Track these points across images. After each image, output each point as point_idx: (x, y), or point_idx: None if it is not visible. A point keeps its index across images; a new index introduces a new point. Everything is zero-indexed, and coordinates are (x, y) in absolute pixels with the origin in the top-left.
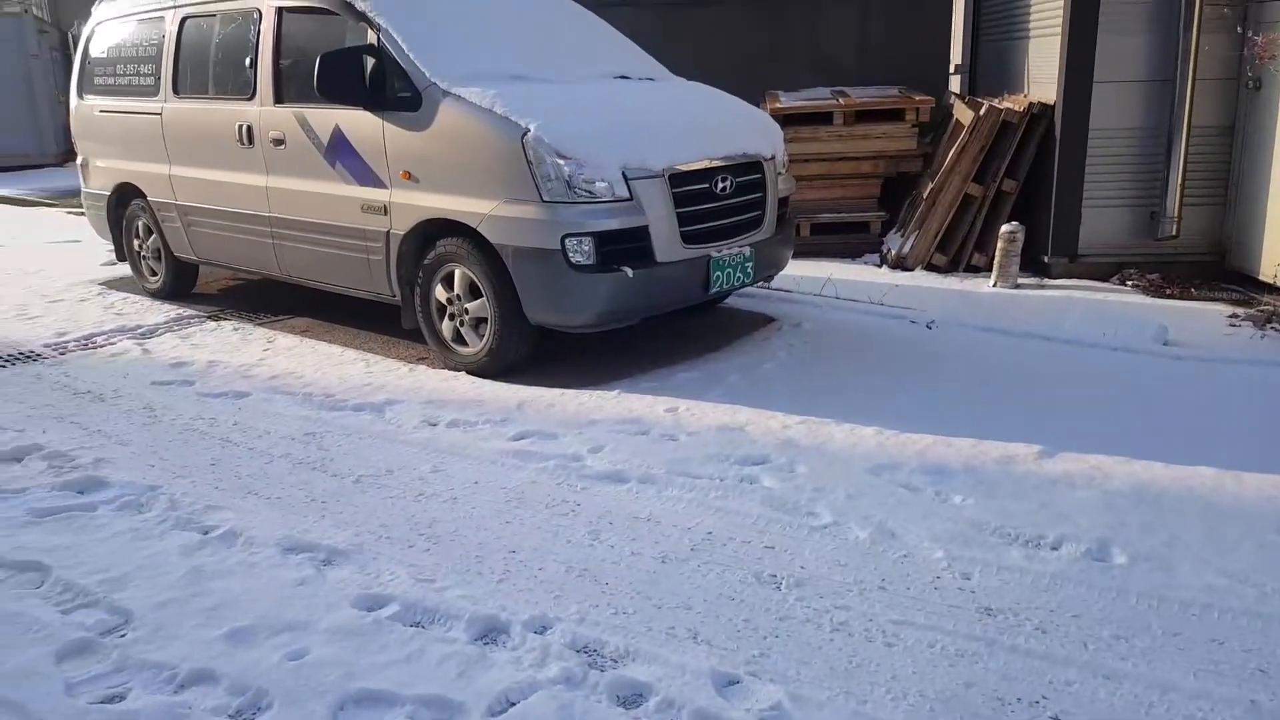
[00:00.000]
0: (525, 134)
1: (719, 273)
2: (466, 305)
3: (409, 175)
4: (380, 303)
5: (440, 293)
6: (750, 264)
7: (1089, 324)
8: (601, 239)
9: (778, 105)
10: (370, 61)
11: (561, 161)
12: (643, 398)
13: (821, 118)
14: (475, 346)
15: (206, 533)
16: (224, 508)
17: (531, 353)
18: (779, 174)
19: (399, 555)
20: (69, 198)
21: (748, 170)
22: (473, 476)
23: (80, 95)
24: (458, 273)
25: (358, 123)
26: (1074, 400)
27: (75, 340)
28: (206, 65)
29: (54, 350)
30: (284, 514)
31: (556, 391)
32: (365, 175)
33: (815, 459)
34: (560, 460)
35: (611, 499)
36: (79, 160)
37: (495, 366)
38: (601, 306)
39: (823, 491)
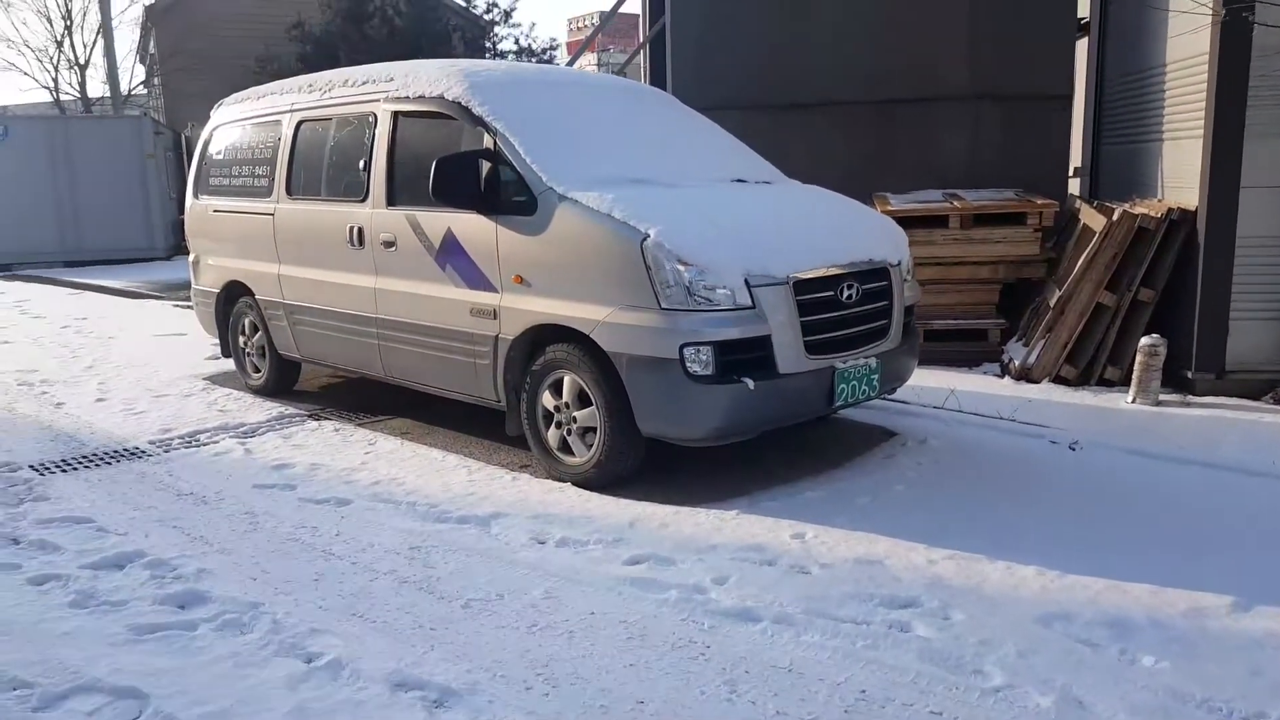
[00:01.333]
0: (645, 239)
1: (844, 385)
2: (575, 413)
3: (521, 279)
4: (482, 407)
5: (548, 400)
6: (876, 375)
7: (1250, 449)
8: (722, 348)
9: (888, 208)
10: (485, 165)
11: (682, 268)
12: (765, 519)
13: (936, 221)
14: (583, 457)
15: (310, 661)
16: (328, 631)
17: (641, 464)
18: (905, 280)
19: (516, 699)
20: (176, 291)
21: (874, 277)
22: (588, 605)
23: (196, 195)
24: (567, 380)
25: (470, 226)
26: (1252, 539)
27: (179, 438)
28: (320, 167)
29: (159, 447)
30: (391, 641)
31: (670, 509)
32: (476, 279)
33: (972, 603)
34: (682, 591)
35: (744, 642)
36: (191, 258)
37: (603, 478)
38: (720, 419)
39: (989, 645)
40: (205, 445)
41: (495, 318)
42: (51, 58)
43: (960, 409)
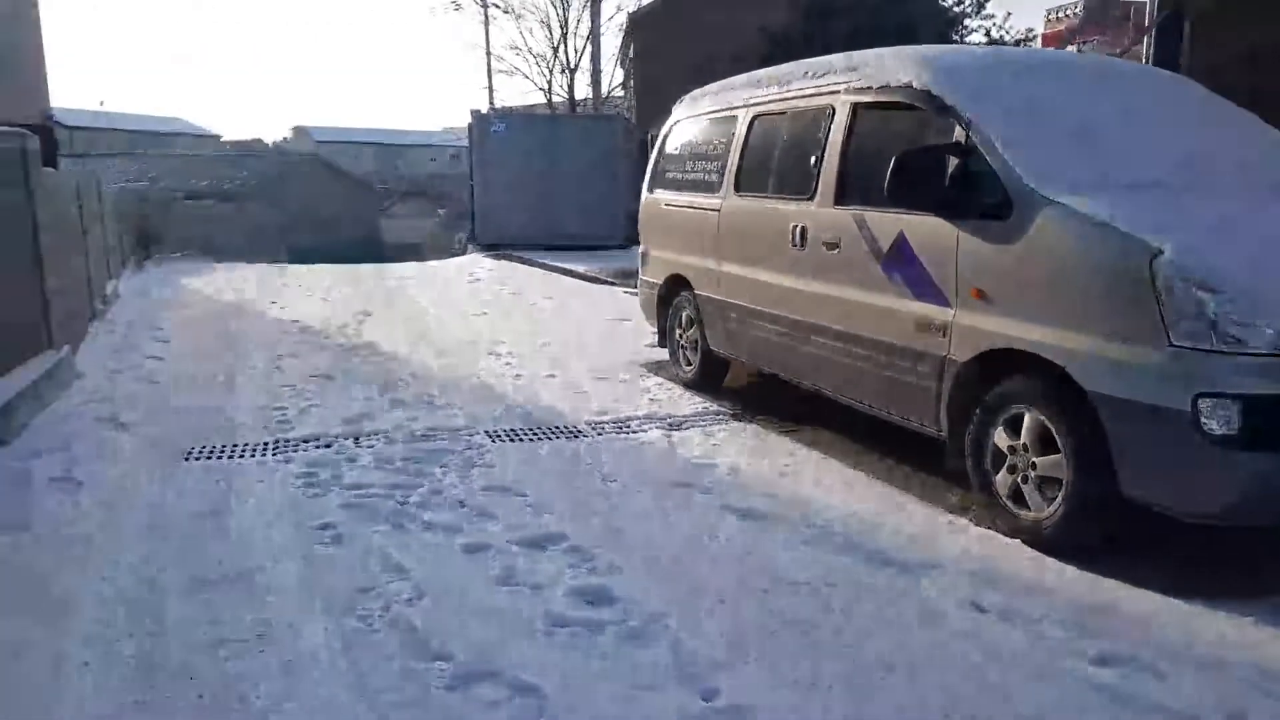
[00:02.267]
0: (1156, 256)
1: None
2: (1034, 459)
3: (981, 294)
4: (918, 433)
5: (1000, 438)
6: None
7: None
8: (1255, 406)
9: None
10: (952, 161)
11: (1205, 295)
12: None
13: None
14: (1040, 512)
15: (708, 700)
16: (729, 667)
17: (1116, 532)
18: None
19: None
20: (627, 278)
21: None
22: (1037, 705)
23: (650, 189)
24: (1027, 418)
25: (925, 229)
26: None
27: (612, 422)
28: (770, 163)
29: (593, 429)
30: (791, 695)
31: (1154, 596)
32: (925, 289)
33: None
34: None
35: None
36: (640, 249)
37: (1064, 541)
38: (1240, 495)
39: None
40: (635, 433)
41: (945, 335)
42: (547, 62)
43: None
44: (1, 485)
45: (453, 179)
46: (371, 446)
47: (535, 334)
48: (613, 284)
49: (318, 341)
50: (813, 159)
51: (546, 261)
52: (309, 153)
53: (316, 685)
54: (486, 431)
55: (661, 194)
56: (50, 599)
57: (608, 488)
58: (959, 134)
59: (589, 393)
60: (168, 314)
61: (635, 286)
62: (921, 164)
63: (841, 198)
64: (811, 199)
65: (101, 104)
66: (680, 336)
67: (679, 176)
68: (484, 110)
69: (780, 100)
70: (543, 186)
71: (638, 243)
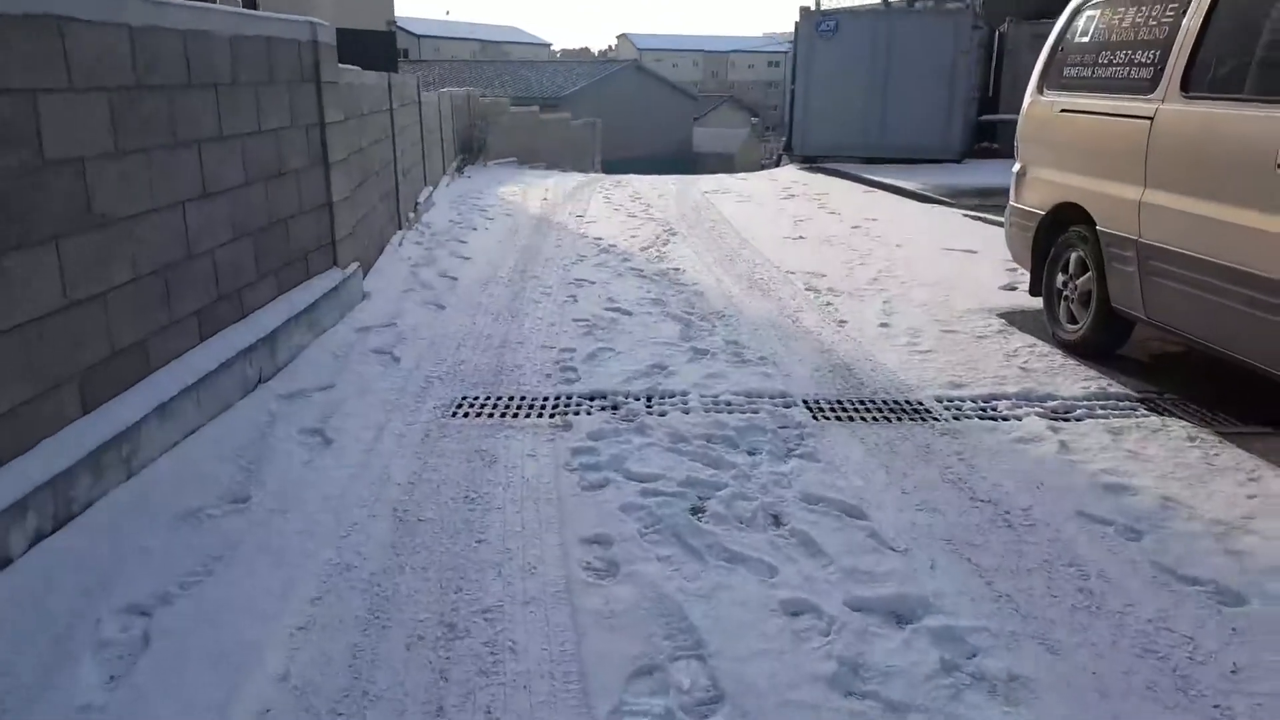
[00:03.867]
0: None
1: None
2: None
3: None
4: None
5: None
6: None
7: None
8: None
9: None
10: None
11: None
12: None
13: None
14: None
15: None
16: None
17: None
18: None
19: None
20: (966, 198)
21: None
22: None
23: (1040, 90)
24: None
25: None
26: None
27: (971, 400)
28: (1247, 51)
29: (947, 409)
30: None
31: None
32: None
33: None
34: None
35: None
36: (1015, 167)
37: None
38: None
39: None
40: (1004, 420)
41: None
42: None
43: None
44: (247, 434)
45: (769, 88)
46: (664, 414)
47: (860, 265)
48: (950, 204)
49: (619, 264)
50: None
51: (870, 177)
52: (630, 60)
53: None
54: (805, 401)
55: (1057, 96)
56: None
57: (977, 512)
58: None
59: (933, 351)
60: (474, 225)
61: (976, 209)
62: None
63: None
64: None
65: (447, 13)
66: (1065, 285)
67: (1087, 73)
68: (812, 7)
69: None
70: (870, 91)
71: (977, 156)
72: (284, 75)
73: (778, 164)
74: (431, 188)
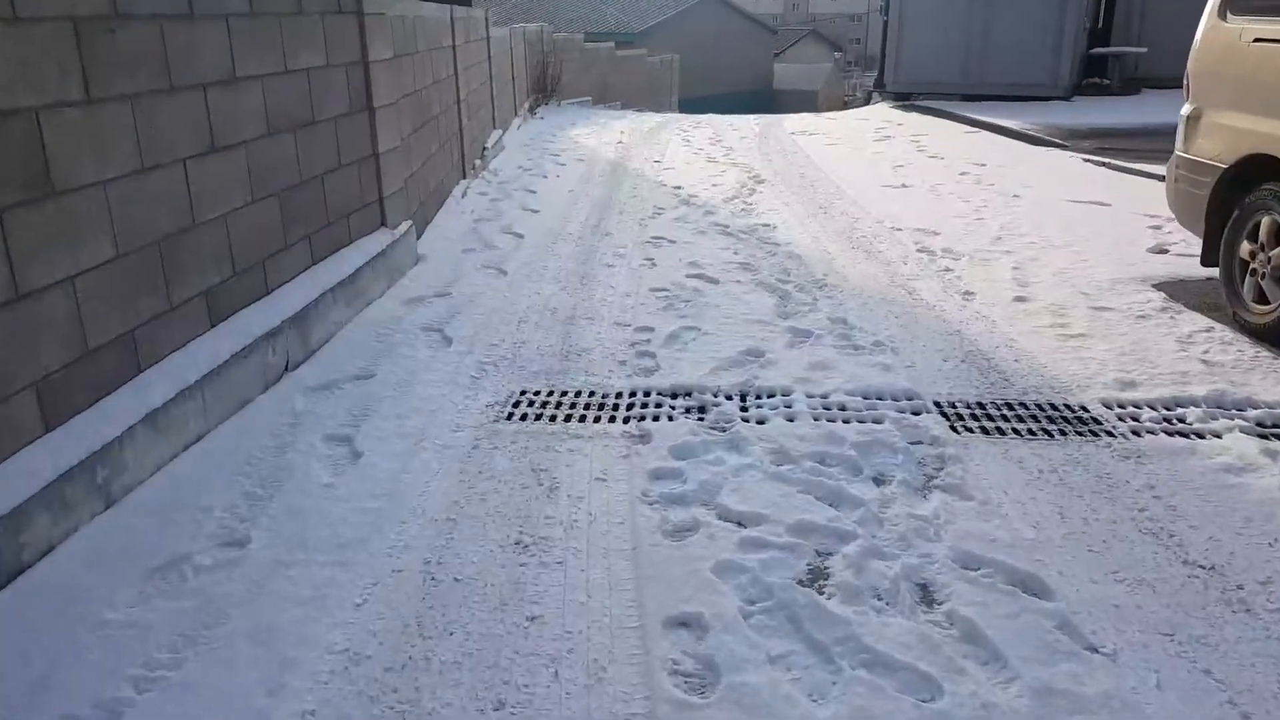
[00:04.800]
0: None
1: None
2: None
3: None
4: None
5: None
6: None
7: None
8: None
9: None
10: None
11: None
12: None
13: None
14: None
15: None
16: None
17: None
18: None
19: None
20: (1081, 139)
21: None
22: None
23: (1223, 13)
24: None
25: None
26: None
27: (1150, 405)
28: None
29: (1121, 418)
30: None
31: None
32: None
33: None
34: None
35: None
36: (1186, 109)
37: None
38: None
39: None
40: (1200, 438)
41: None
42: None
43: None
44: (262, 442)
45: (853, 21)
46: (763, 422)
47: (977, 220)
48: (1065, 147)
49: (700, 219)
50: None
51: (971, 116)
52: None
53: None
54: (939, 404)
55: (1245, 22)
56: None
57: (1207, 594)
58: None
59: (1087, 335)
60: (544, 172)
61: (1097, 152)
62: None
63: None
64: None
65: None
66: (1252, 257)
67: None
68: None
69: None
70: (970, 21)
71: (1087, 94)
72: (316, 4)
73: (867, 102)
74: (501, 130)
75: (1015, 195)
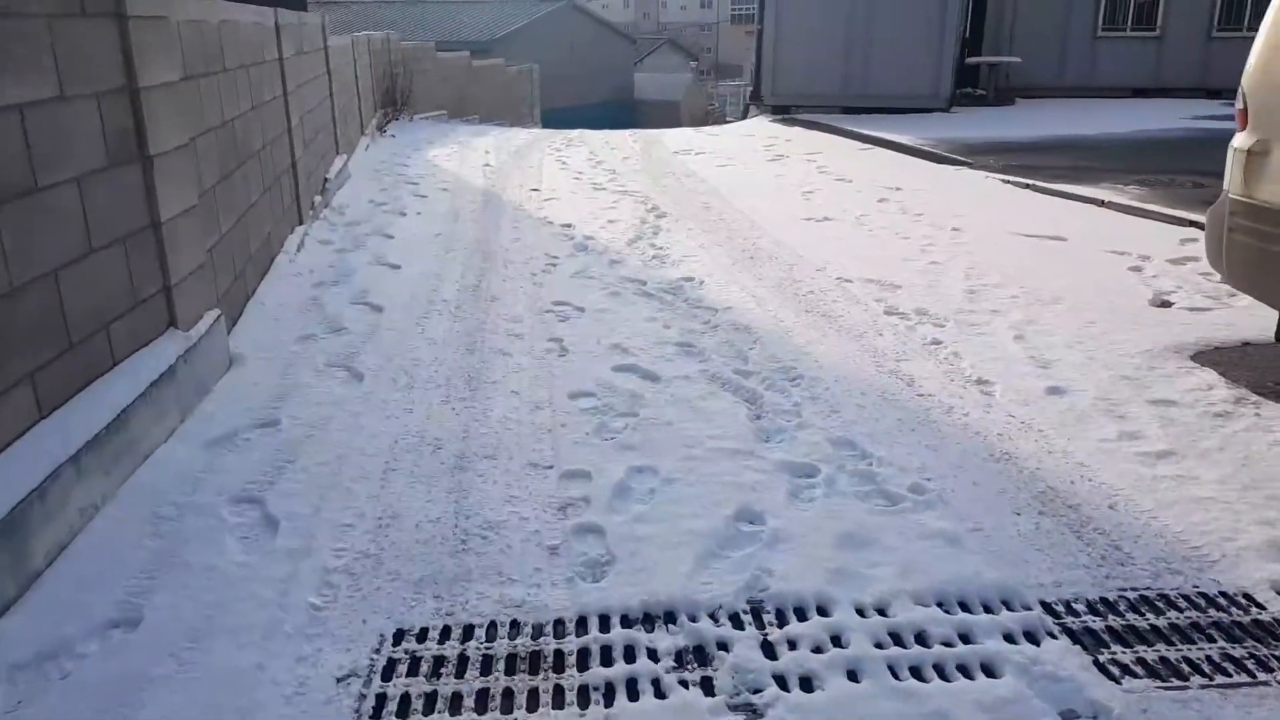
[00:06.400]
0: None
1: None
2: None
3: None
4: None
5: None
6: None
7: None
8: None
9: None
10: None
11: None
12: None
13: None
14: None
15: None
16: None
17: None
18: None
19: None
20: (981, 155)
21: None
22: None
23: None
24: None
25: None
26: None
27: None
28: None
29: None
30: None
31: None
32: None
33: None
34: None
35: None
36: (1242, 143)
37: None
38: None
39: None
40: None
41: None
42: None
43: None
44: None
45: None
46: (811, 687)
47: (933, 266)
48: (969, 165)
49: (606, 272)
50: None
51: (858, 130)
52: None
53: None
54: (1053, 611)
55: None
56: None
57: None
58: None
59: (1176, 455)
60: (402, 208)
61: (1005, 171)
62: None
63: None
64: None
65: None
66: None
67: None
68: None
69: None
70: (849, 31)
71: (962, 104)
72: (38, 4)
73: (746, 115)
74: (346, 156)
75: (955, 229)
